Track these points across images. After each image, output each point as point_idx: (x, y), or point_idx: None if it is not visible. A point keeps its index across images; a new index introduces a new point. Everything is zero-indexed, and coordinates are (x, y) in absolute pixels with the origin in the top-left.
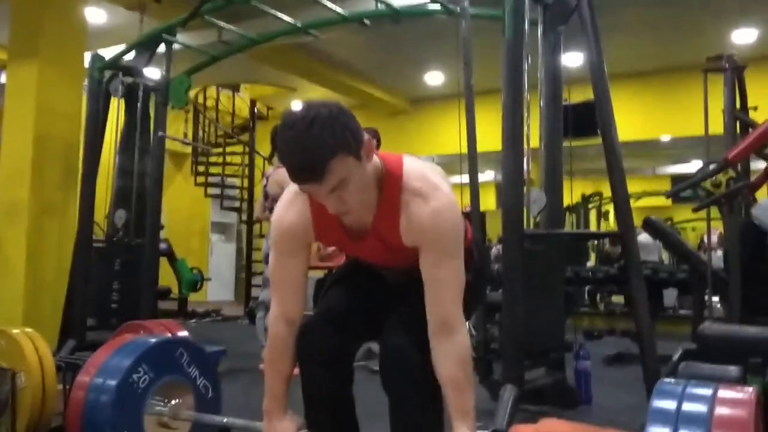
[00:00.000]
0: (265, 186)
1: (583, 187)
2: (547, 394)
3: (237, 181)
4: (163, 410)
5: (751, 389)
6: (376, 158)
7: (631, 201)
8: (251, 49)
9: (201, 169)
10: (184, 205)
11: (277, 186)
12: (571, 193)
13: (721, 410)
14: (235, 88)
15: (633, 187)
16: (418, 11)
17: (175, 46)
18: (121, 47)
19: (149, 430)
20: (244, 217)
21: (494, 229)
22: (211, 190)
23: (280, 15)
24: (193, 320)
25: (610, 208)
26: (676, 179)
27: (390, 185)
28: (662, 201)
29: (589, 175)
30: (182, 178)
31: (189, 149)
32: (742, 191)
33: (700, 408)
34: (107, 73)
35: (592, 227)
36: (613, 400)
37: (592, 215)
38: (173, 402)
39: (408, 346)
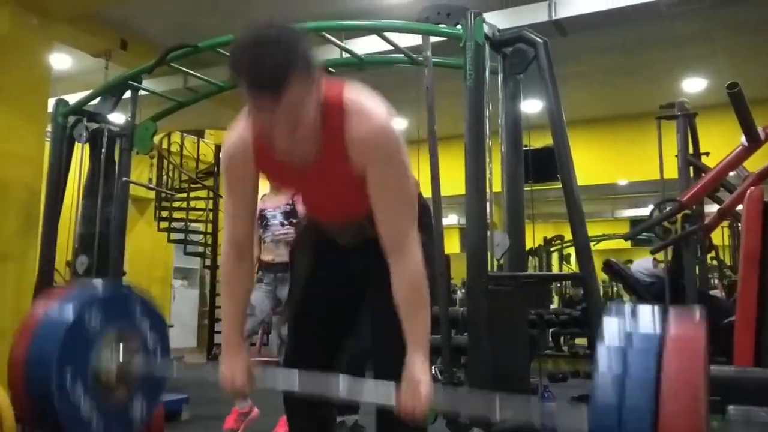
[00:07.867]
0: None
1: (545, 231)
2: None
3: (201, 227)
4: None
5: None
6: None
7: (592, 244)
8: (217, 95)
9: (164, 214)
10: (146, 251)
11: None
12: (533, 236)
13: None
14: (200, 134)
15: (593, 230)
16: (382, 60)
17: (141, 92)
18: (86, 93)
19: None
20: (208, 262)
21: (459, 272)
22: (175, 236)
23: None
24: None
25: (572, 251)
26: (634, 222)
27: (332, 114)
28: (622, 243)
29: (551, 219)
30: (145, 223)
31: (152, 194)
32: (698, 233)
33: None
34: (71, 119)
35: (555, 270)
36: None
37: (554, 258)
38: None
39: None
